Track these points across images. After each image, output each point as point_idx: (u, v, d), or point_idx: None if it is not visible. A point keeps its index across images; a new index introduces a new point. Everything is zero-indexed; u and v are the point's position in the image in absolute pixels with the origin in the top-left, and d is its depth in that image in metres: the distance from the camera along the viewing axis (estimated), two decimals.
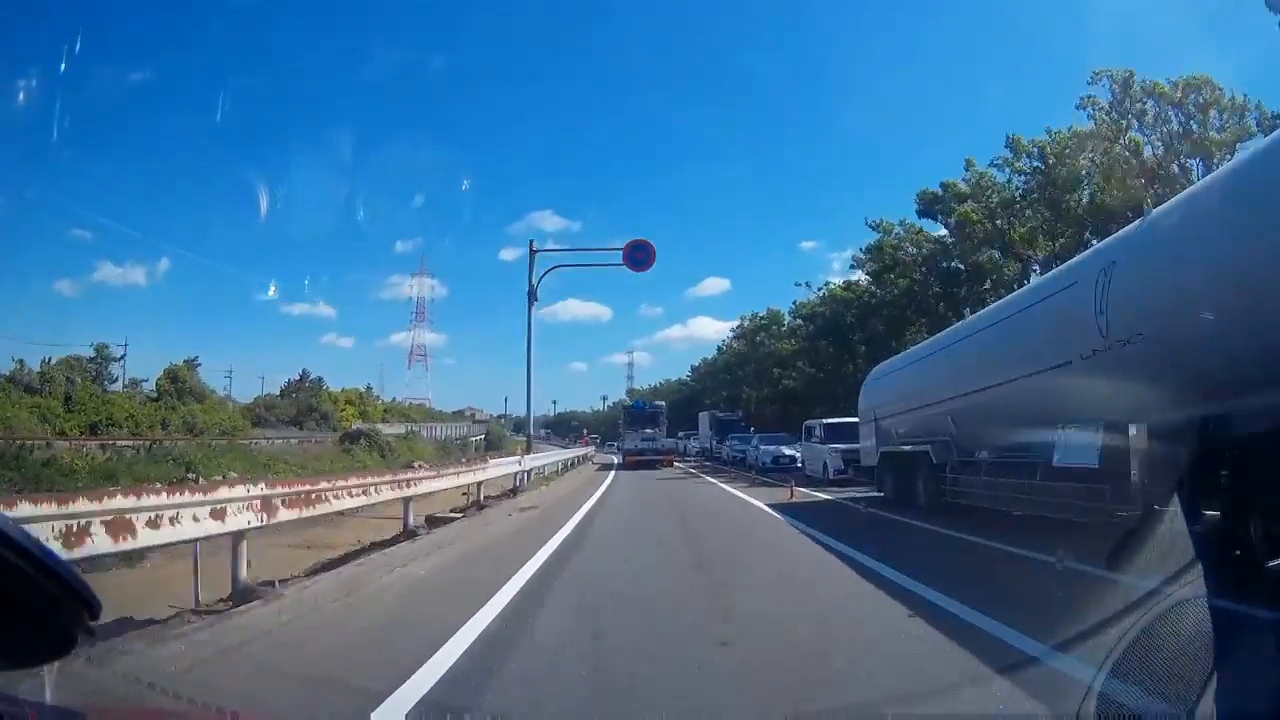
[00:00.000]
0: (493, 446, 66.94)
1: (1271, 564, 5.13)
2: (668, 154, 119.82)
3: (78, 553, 4.03)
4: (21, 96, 39.33)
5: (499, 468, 16.94)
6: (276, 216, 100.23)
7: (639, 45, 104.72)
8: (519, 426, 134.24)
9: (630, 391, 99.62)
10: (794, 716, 3.45)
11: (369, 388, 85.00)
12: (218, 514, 5.44)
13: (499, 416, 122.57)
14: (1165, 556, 4.35)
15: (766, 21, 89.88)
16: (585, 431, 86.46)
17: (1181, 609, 2.93)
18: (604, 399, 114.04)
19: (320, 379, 74.34)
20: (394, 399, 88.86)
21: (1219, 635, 3.24)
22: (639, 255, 21.39)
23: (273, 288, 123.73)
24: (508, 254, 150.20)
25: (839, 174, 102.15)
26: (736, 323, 58.12)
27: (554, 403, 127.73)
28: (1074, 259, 9.77)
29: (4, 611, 1.00)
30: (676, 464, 35.24)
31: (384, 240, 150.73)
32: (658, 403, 41.60)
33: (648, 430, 35.01)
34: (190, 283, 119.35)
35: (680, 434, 48.47)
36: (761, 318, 53.51)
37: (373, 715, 3.21)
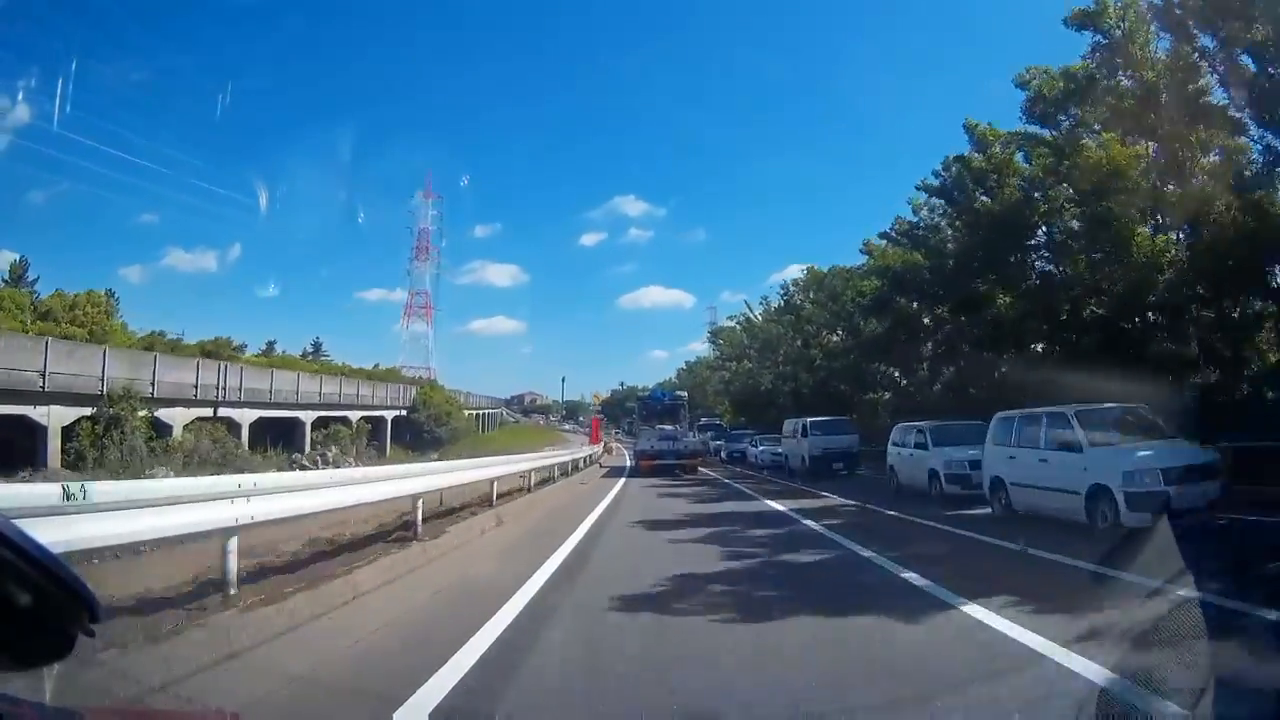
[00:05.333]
0: (403, 442, 42.27)
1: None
2: (751, 140, 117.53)
3: None
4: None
5: None
6: (349, 201, 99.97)
7: (720, 39, 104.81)
8: (573, 412, 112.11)
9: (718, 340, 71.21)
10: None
11: (318, 344, 61.20)
12: None
13: (565, 404, 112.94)
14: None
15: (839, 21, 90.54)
16: (599, 412, 60.61)
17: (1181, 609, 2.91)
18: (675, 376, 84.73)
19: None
20: (376, 365, 61.88)
21: (1216, 636, 3.24)
22: None
23: (265, 282, 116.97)
24: (588, 239, 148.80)
25: (916, 164, 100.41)
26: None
27: (621, 384, 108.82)
28: None
29: (4, 611, 1.00)
30: None
31: (462, 225, 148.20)
32: (679, 393, 34.59)
33: (666, 426, 27.87)
34: (265, 266, 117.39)
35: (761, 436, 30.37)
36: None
37: None
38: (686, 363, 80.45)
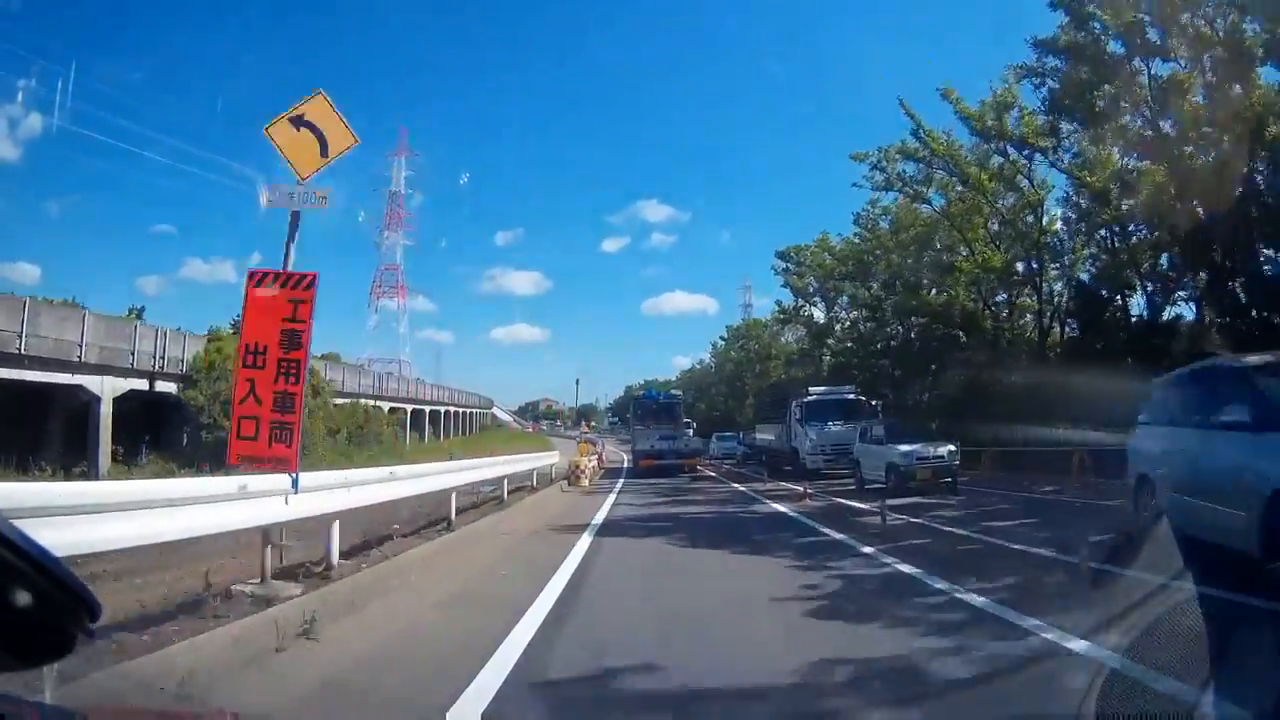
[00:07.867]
0: (171, 448, 22.37)
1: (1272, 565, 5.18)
2: (777, 143, 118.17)
3: None
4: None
5: None
6: (366, 207, 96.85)
7: (741, 42, 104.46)
8: (584, 415, 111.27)
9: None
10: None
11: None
12: None
13: (579, 408, 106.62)
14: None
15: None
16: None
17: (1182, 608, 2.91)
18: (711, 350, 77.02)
19: None
20: (322, 354, 42.03)
21: (1217, 634, 3.24)
22: None
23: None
24: (610, 244, 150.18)
25: None
26: None
27: (643, 382, 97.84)
28: None
29: (4, 611, 1.00)
30: None
31: (483, 231, 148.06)
32: (674, 392, 35.47)
33: (664, 427, 27.41)
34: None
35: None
36: None
37: None
38: (728, 327, 66.46)
